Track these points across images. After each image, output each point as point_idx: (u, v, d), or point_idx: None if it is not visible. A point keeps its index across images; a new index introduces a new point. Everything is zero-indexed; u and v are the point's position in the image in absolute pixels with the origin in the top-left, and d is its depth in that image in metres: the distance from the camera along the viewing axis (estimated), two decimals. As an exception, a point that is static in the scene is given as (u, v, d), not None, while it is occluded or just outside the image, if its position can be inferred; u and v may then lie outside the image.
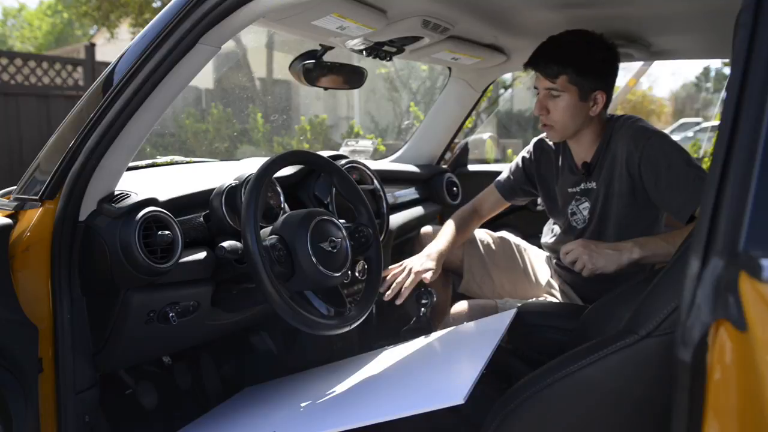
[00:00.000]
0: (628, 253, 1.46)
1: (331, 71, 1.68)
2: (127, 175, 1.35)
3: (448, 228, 1.84)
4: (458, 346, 1.36)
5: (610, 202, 1.65)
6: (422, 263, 1.67)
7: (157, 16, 1.17)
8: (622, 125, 1.63)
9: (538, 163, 1.83)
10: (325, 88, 1.72)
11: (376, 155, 2.82)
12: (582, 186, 1.71)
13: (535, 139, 1.88)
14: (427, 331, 1.57)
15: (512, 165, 1.93)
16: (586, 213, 1.71)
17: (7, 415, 1.13)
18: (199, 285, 1.35)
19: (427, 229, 2.08)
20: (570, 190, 1.74)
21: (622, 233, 1.63)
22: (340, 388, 1.29)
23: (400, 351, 1.44)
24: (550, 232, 1.92)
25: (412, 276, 1.62)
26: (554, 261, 1.90)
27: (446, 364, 1.29)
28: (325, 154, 1.72)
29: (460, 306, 1.74)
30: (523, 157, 1.89)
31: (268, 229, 1.37)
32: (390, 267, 1.69)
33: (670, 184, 1.52)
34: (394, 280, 1.61)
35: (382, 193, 1.89)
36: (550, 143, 1.82)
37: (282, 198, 1.53)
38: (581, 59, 1.56)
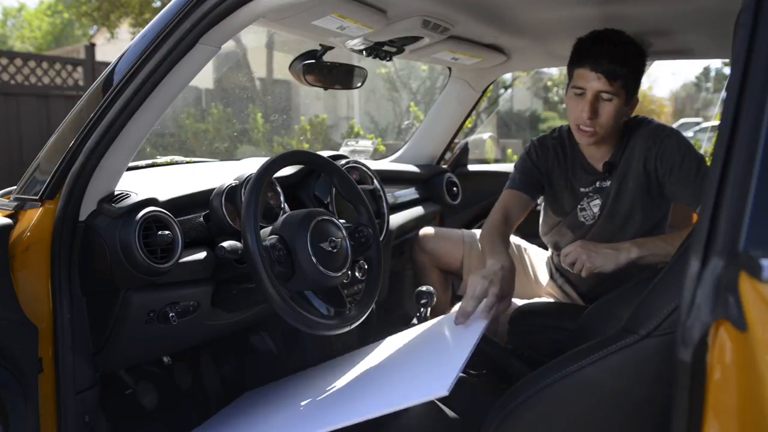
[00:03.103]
0: (626, 253, 1.46)
1: (331, 71, 1.68)
2: (127, 175, 1.35)
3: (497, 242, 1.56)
4: (442, 338, 1.34)
5: (620, 199, 1.64)
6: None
7: (157, 16, 1.17)
8: (639, 125, 1.63)
9: (545, 160, 1.77)
10: (326, 88, 1.72)
11: (376, 155, 2.82)
12: (597, 185, 1.69)
13: (534, 139, 1.84)
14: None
15: (518, 165, 1.81)
16: (596, 210, 1.69)
17: (7, 414, 1.13)
18: (199, 285, 1.35)
19: (426, 230, 2.08)
20: (582, 189, 1.72)
21: (627, 230, 1.63)
22: (322, 389, 1.29)
23: (384, 347, 1.43)
24: (551, 228, 1.89)
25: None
26: (555, 260, 1.90)
27: (430, 357, 1.27)
28: (325, 154, 1.72)
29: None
30: (529, 154, 1.80)
31: (268, 229, 1.37)
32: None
33: (681, 179, 1.54)
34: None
35: (382, 193, 1.89)
36: (556, 140, 1.77)
37: (282, 198, 1.53)
38: (637, 62, 1.52)
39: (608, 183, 1.67)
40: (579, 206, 1.73)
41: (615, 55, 1.47)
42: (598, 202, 1.69)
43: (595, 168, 1.69)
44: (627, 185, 1.63)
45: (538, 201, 1.96)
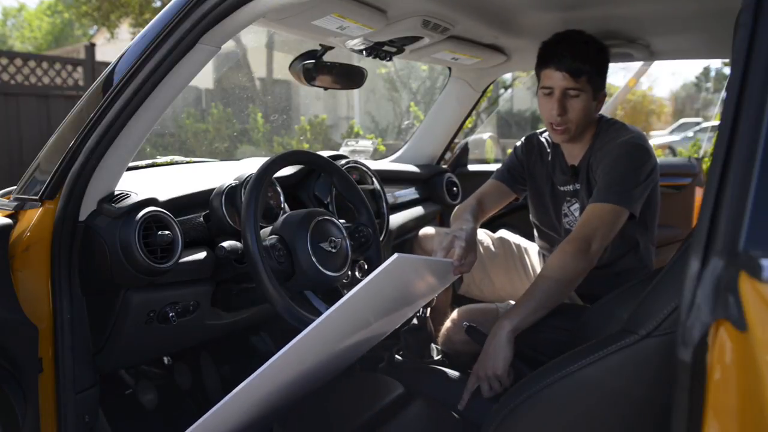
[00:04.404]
0: (501, 331, 1.37)
1: (331, 71, 1.68)
2: (127, 175, 1.35)
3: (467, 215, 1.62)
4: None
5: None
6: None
7: (157, 16, 1.17)
8: (606, 131, 1.64)
9: (528, 157, 1.82)
10: (325, 88, 1.72)
11: (376, 155, 2.82)
12: (571, 187, 1.71)
13: (526, 135, 1.88)
14: (426, 332, 1.57)
15: (506, 160, 1.90)
16: (577, 214, 1.70)
17: (7, 414, 1.13)
18: (199, 285, 1.35)
19: (426, 230, 2.07)
20: (561, 188, 1.74)
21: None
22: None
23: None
24: (544, 238, 1.88)
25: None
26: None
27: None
28: (325, 154, 1.72)
29: (461, 311, 1.74)
30: (516, 148, 1.87)
31: (268, 229, 1.37)
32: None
33: (602, 178, 1.53)
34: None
35: (382, 193, 1.89)
36: (542, 140, 1.81)
37: (282, 198, 1.53)
38: (599, 59, 1.57)
39: (579, 186, 1.68)
40: (562, 212, 1.74)
41: (577, 53, 1.53)
42: (577, 206, 1.70)
43: (569, 167, 1.71)
44: (592, 191, 1.63)
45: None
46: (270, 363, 0.96)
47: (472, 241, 1.46)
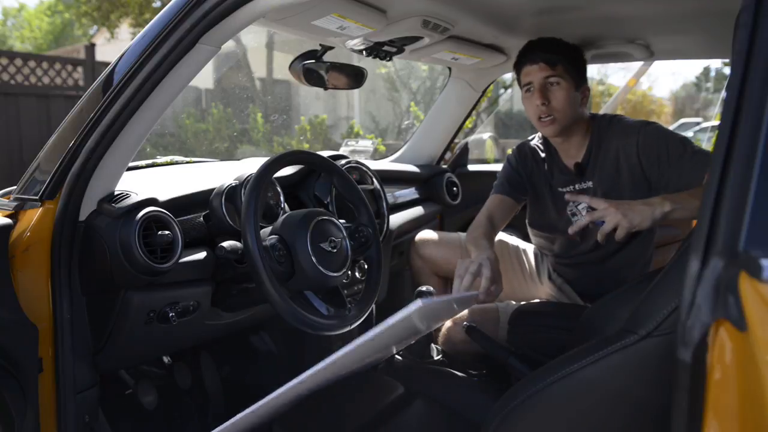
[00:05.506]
0: (660, 207, 1.39)
1: (331, 71, 1.68)
2: (127, 175, 1.35)
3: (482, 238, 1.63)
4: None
5: (611, 198, 1.64)
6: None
7: (157, 16, 1.17)
8: (609, 124, 1.66)
9: (524, 165, 1.82)
10: (325, 88, 1.72)
11: (376, 155, 2.82)
12: (576, 186, 1.70)
13: (516, 145, 1.89)
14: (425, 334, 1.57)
15: (502, 172, 1.88)
16: (585, 213, 1.70)
17: (8, 414, 1.13)
18: (199, 285, 1.35)
19: (422, 235, 2.05)
20: (561, 189, 1.73)
21: None
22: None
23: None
24: (543, 238, 1.88)
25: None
26: (555, 261, 1.90)
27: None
28: (325, 154, 1.72)
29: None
30: (509, 160, 1.87)
31: (268, 229, 1.37)
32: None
33: (672, 164, 1.54)
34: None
35: (382, 193, 1.89)
36: (534, 146, 1.81)
37: (282, 198, 1.53)
38: (571, 52, 1.63)
39: (590, 184, 1.68)
40: (569, 210, 1.73)
41: (547, 46, 1.62)
42: (585, 205, 1.69)
43: (569, 167, 1.71)
44: (618, 184, 1.63)
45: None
46: (286, 388, 0.95)
47: (497, 272, 1.45)
